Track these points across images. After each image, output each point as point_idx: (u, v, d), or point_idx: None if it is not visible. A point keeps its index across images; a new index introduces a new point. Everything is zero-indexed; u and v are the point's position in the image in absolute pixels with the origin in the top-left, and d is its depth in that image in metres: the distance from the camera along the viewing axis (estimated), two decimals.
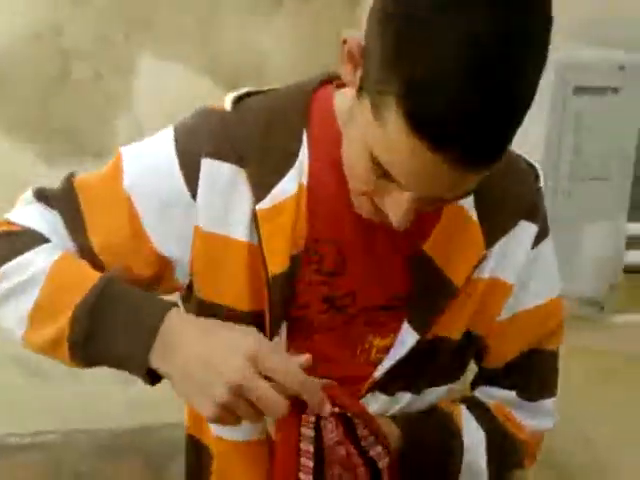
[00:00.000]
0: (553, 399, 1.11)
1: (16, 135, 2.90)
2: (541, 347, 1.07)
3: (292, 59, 2.62)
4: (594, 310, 1.75)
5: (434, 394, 1.04)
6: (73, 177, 1.00)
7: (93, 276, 0.91)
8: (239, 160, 0.92)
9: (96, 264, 0.96)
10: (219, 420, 0.84)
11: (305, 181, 0.94)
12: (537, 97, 0.73)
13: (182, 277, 0.98)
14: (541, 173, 1.05)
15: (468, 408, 1.07)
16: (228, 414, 0.83)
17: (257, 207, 0.91)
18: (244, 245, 0.92)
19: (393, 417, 1.00)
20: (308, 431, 0.87)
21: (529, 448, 1.10)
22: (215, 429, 1.02)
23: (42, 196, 0.99)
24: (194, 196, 0.92)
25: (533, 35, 0.70)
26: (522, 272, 1.01)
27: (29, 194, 1.01)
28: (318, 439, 0.87)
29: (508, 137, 0.72)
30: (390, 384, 0.98)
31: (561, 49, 1.79)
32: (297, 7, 2.63)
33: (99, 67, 2.82)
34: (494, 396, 1.09)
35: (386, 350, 0.97)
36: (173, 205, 0.93)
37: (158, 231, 0.94)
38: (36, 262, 0.93)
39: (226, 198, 0.92)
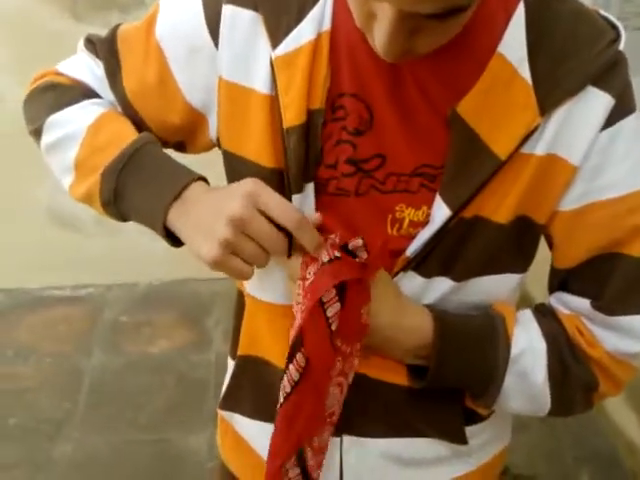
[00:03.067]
0: None
1: None
2: (622, 250, 0.89)
3: None
4: None
5: (480, 287, 0.91)
6: (118, 27, 1.00)
7: (127, 137, 0.92)
8: (256, 5, 0.88)
9: (132, 115, 0.97)
10: (221, 263, 0.82)
11: (328, 27, 0.86)
12: None
13: (213, 131, 0.96)
14: (623, 35, 0.86)
15: (535, 315, 0.95)
16: (230, 256, 0.82)
17: (273, 54, 0.86)
18: (265, 97, 0.88)
19: (429, 307, 0.92)
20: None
21: (607, 369, 0.93)
22: (248, 287, 1.01)
23: (90, 44, 1.01)
24: (216, 44, 0.90)
25: None
26: (593, 154, 0.85)
27: (80, 42, 1.02)
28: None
29: None
30: (425, 264, 0.88)
31: None
32: None
33: None
34: (568, 304, 0.94)
35: (420, 225, 0.88)
36: (198, 53, 0.92)
37: (186, 79, 0.93)
38: (79, 117, 0.95)
39: (246, 47, 0.89)
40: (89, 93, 0.99)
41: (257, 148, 0.90)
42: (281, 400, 0.87)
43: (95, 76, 1.00)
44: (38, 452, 2.47)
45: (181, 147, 1.00)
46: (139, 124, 0.97)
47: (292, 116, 0.86)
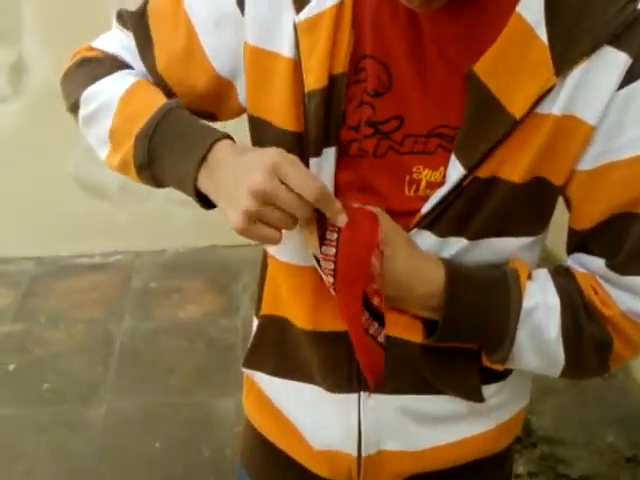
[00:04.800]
0: None
1: None
2: (638, 211, 0.89)
3: None
4: None
5: (495, 248, 0.92)
6: (148, 1, 1.02)
7: (157, 104, 0.94)
8: None
9: (162, 85, 0.99)
10: (247, 231, 0.84)
11: None
12: None
13: (242, 98, 0.97)
14: None
15: (550, 273, 0.95)
16: (254, 225, 0.84)
17: (296, 19, 0.88)
18: (289, 61, 0.89)
19: (442, 259, 0.92)
20: (333, 235, 0.87)
21: (621, 329, 0.92)
22: (269, 249, 1.03)
23: (121, 19, 1.03)
24: (242, 10, 0.91)
25: None
26: (610, 113, 0.85)
27: (113, 19, 1.05)
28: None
29: None
30: (439, 223, 0.90)
31: None
32: None
33: None
34: (584, 264, 0.94)
35: (437, 186, 0.88)
36: (224, 19, 0.93)
37: (212, 46, 0.95)
38: (112, 88, 0.98)
39: (271, 11, 0.90)
40: (121, 65, 1.02)
41: (281, 112, 0.91)
42: (331, 267, 0.87)
43: (126, 48, 1.02)
44: (72, 415, 2.53)
45: (212, 117, 1.02)
46: (169, 94, 0.99)
47: (313, 80, 0.87)
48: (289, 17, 0.89)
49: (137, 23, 1.01)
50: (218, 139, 0.89)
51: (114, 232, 3.34)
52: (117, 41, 1.03)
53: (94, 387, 2.64)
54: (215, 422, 2.49)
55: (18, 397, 2.61)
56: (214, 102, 0.99)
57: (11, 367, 2.75)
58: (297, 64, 0.89)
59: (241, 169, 0.86)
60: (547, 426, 2.41)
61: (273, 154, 0.84)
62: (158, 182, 0.95)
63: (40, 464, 2.34)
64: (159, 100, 0.95)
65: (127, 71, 1.01)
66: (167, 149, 0.92)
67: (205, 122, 0.95)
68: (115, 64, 1.02)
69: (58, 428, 2.47)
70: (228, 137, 0.91)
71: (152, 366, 2.74)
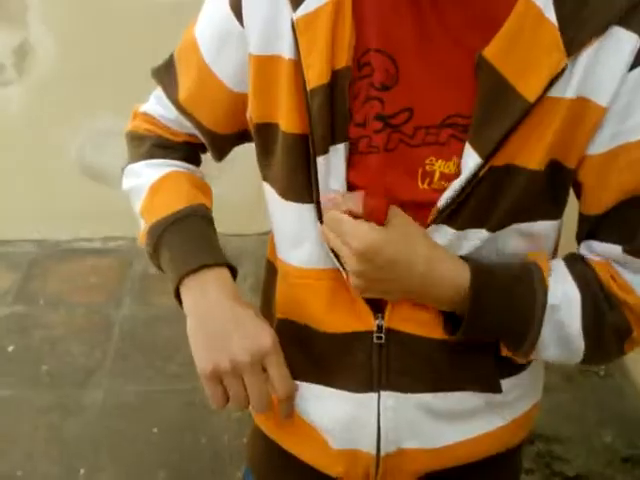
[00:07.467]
0: None
1: None
2: None
3: None
4: None
5: (515, 235, 0.91)
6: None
7: (178, 204, 1.00)
8: None
9: (190, 119, 1.03)
10: (206, 383, 0.92)
11: None
12: None
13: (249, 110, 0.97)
14: None
15: (566, 263, 0.94)
16: (216, 383, 0.90)
17: (294, 16, 0.86)
18: (290, 61, 0.88)
19: (464, 257, 0.91)
20: None
21: (639, 314, 0.92)
22: (283, 255, 1.00)
23: (153, 72, 1.08)
24: (241, 23, 0.91)
25: None
26: (622, 94, 0.84)
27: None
28: None
29: None
30: (457, 216, 0.88)
31: None
32: None
33: None
34: (598, 252, 0.93)
35: (452, 178, 0.87)
36: (228, 38, 0.94)
37: (222, 68, 0.97)
38: (145, 175, 1.05)
39: (269, 15, 0.89)
40: (158, 142, 1.08)
41: (286, 115, 0.90)
42: None
43: (160, 102, 1.07)
44: (69, 398, 2.52)
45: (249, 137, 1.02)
46: (199, 126, 1.02)
47: (315, 77, 0.86)
48: (287, 17, 0.88)
49: (164, 69, 1.06)
50: (217, 264, 0.94)
51: (115, 217, 3.30)
52: (154, 98, 1.09)
53: (92, 371, 2.64)
54: (213, 409, 2.48)
55: (17, 379, 2.62)
56: (241, 123, 1.00)
57: (10, 348, 2.75)
58: (297, 63, 0.88)
59: (232, 325, 0.91)
60: (544, 423, 2.41)
61: (270, 340, 0.90)
62: (163, 271, 1.01)
63: (39, 447, 2.34)
64: (180, 201, 1.01)
65: (162, 161, 1.06)
66: (167, 252, 0.97)
67: (212, 238, 1.00)
68: (153, 142, 1.08)
69: (56, 411, 2.47)
70: (231, 267, 0.96)
71: (150, 352, 2.74)
